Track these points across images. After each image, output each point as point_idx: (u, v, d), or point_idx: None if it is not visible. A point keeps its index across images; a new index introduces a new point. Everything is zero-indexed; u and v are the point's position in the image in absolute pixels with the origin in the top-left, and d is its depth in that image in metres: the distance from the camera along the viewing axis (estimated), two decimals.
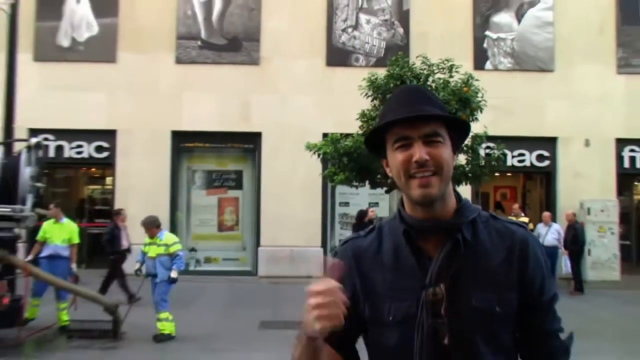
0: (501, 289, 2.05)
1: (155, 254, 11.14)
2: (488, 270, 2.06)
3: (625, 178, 20.51)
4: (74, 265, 12.55)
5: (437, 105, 2.09)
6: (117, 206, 17.50)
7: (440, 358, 1.98)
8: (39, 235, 12.24)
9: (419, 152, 1.98)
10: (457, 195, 2.14)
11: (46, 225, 12.20)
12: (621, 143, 19.62)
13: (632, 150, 19.67)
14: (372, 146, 2.21)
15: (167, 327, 11.02)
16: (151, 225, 11.38)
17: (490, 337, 2.03)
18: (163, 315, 11.00)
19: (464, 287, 2.03)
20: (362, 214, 16.67)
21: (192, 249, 19.19)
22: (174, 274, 11.13)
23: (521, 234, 2.13)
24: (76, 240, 12.44)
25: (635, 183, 22.52)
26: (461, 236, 2.05)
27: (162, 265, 11.13)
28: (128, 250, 15.21)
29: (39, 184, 11.49)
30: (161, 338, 10.89)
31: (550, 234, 16.24)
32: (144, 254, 11.23)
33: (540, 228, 16.41)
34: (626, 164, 19.74)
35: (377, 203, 19.06)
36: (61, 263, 12.06)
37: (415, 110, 2.02)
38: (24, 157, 10.95)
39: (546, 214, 17.39)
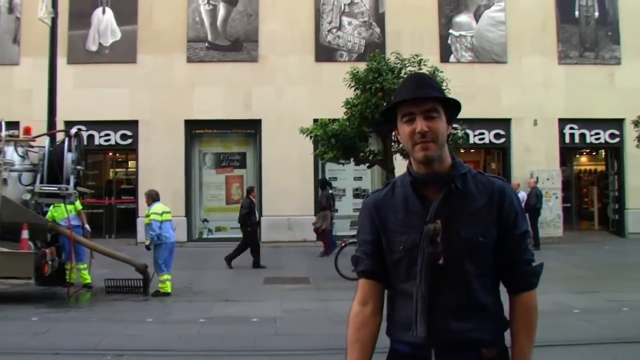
0: (483, 224, 2.54)
1: (145, 223, 12.43)
2: (473, 210, 2.55)
3: (567, 151, 22.30)
4: (87, 225, 13.38)
5: (436, 89, 2.59)
6: (140, 185, 19.51)
7: (436, 274, 2.49)
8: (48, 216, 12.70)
9: (421, 125, 2.50)
10: (453, 156, 2.63)
11: (53, 208, 12.82)
12: (563, 122, 21.49)
13: (571, 128, 21.65)
14: (387, 118, 2.73)
15: (164, 287, 12.05)
16: (147, 198, 12.62)
17: (475, 261, 2.52)
18: (161, 277, 12.09)
19: (455, 222, 2.52)
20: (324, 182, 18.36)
21: (205, 220, 21.02)
22: (146, 242, 12.30)
23: (500, 184, 2.65)
24: (79, 207, 13.21)
25: (578, 156, 24.14)
26: (454, 185, 2.56)
27: (147, 232, 12.24)
28: (259, 222, 16.79)
29: (79, 167, 12.50)
30: (157, 294, 11.99)
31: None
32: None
33: None
34: (567, 140, 21.69)
35: (360, 177, 20.92)
36: (77, 230, 12.73)
37: (417, 93, 2.52)
38: (66, 144, 12.03)
39: (515, 182, 18.95)
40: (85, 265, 12.96)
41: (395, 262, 2.60)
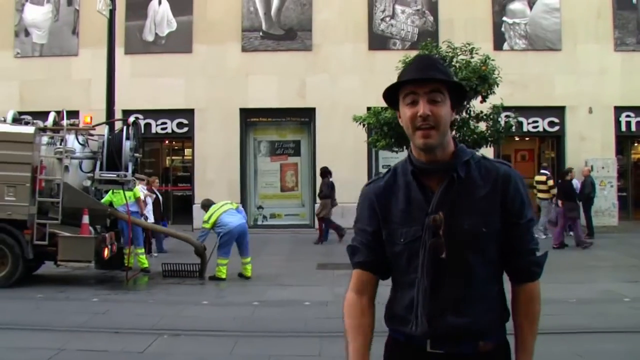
0: (487, 214, 2.46)
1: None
2: (476, 200, 2.47)
3: (623, 140, 22.14)
4: (145, 212, 14.29)
5: (442, 71, 2.48)
6: (197, 173, 20.36)
7: (439, 268, 2.43)
8: (106, 199, 13.31)
9: (423, 108, 2.40)
10: (455, 143, 2.55)
11: (112, 194, 13.39)
12: (618, 110, 21.30)
13: (628, 116, 21.44)
14: (390, 101, 2.60)
15: (218, 272, 12.24)
16: (202, 208, 12.92)
17: (478, 252, 2.46)
18: (219, 260, 12.28)
19: (457, 214, 2.44)
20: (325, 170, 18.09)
21: (260, 207, 21.39)
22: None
23: (504, 170, 2.55)
24: (138, 194, 13.85)
25: (635, 144, 23.86)
26: (456, 174, 2.48)
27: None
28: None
29: (137, 155, 12.74)
30: (213, 278, 12.28)
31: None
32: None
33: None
34: (623, 128, 21.49)
35: None
36: (136, 216, 13.34)
37: (422, 74, 2.44)
38: (124, 132, 12.27)
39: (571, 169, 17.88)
40: (142, 250, 13.53)
41: (396, 254, 2.54)
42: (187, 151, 22.72)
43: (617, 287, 11.23)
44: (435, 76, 2.44)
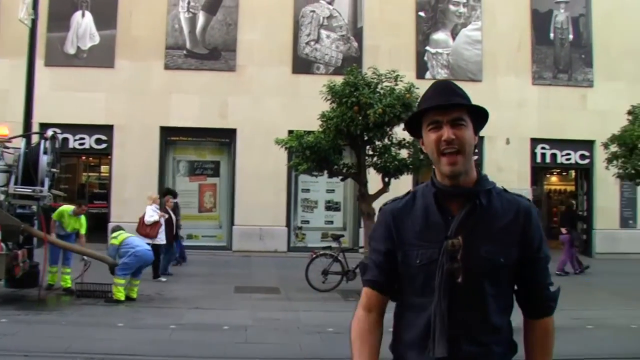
0: (506, 245, 2.48)
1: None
2: (496, 229, 2.48)
3: (538, 170, 22.91)
4: (159, 233, 14.72)
5: (463, 96, 2.54)
6: (114, 190, 20.05)
7: (454, 292, 2.43)
8: (55, 215, 13.24)
9: (447, 132, 2.45)
10: (478, 170, 2.59)
11: (66, 214, 13.21)
12: (535, 142, 21.96)
13: (543, 148, 22.11)
14: (410, 129, 2.68)
15: (117, 293, 12.04)
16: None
17: (494, 281, 2.47)
18: (116, 279, 12.13)
19: (476, 240, 2.45)
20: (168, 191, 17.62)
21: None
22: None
23: (526, 204, 2.59)
24: (83, 231, 13.54)
25: (548, 175, 24.88)
26: (478, 201, 2.50)
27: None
28: None
29: (54, 170, 12.59)
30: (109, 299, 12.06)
31: None
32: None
33: None
34: (538, 159, 22.15)
35: (333, 190, 21.17)
36: (68, 239, 13.34)
37: (445, 100, 2.48)
38: (42, 146, 12.06)
39: None
40: (69, 270, 13.13)
41: (411, 276, 2.54)
42: (105, 168, 22.40)
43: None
44: (457, 101, 2.51)
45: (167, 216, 15.79)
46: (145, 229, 14.83)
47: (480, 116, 2.60)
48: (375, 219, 2.79)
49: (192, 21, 21.34)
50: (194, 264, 17.31)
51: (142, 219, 15.00)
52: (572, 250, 17.79)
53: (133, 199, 19.79)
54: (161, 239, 15.19)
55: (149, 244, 14.16)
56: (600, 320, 11.65)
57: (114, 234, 12.52)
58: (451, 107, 2.49)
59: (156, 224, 14.95)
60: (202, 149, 21.93)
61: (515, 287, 2.62)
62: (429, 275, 2.47)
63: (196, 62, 21.28)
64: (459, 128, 2.48)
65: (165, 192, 17.23)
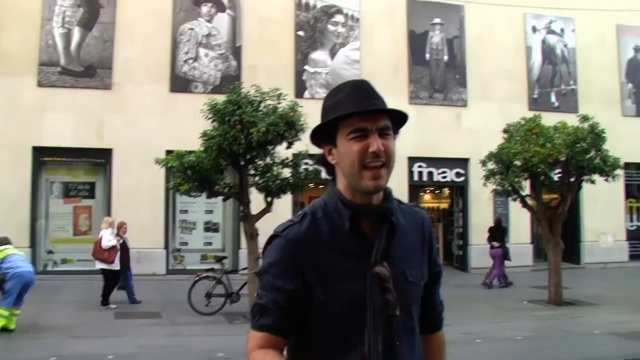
0: (421, 265, 2.34)
1: None
2: (411, 248, 2.30)
3: (414, 189, 23.35)
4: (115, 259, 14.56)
5: (382, 100, 2.23)
6: None
7: (389, 327, 2.17)
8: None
9: (377, 143, 2.14)
10: None
11: None
12: (412, 160, 22.35)
13: (420, 166, 22.67)
14: (318, 135, 2.31)
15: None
16: None
17: (417, 306, 2.33)
18: (2, 311, 11.64)
19: (399, 264, 2.22)
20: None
21: (50, 252, 20.37)
22: None
23: (425, 215, 2.45)
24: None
25: (421, 193, 25.80)
26: (395, 220, 2.24)
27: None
28: None
29: None
30: None
31: None
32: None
33: None
34: (415, 178, 22.71)
35: (212, 210, 21.10)
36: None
37: (373, 104, 2.17)
38: None
39: None
40: None
41: (333, 315, 2.19)
42: None
43: None
44: (384, 107, 2.23)
45: (121, 241, 15.61)
46: (103, 254, 14.87)
47: (398, 124, 2.34)
48: (267, 245, 2.32)
49: (67, 37, 20.74)
50: (69, 290, 16.77)
51: (98, 243, 15.02)
52: (504, 263, 18.66)
53: (3, 222, 18.87)
54: (117, 264, 15.06)
55: (104, 269, 14.76)
56: (488, 333, 12.27)
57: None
58: (378, 114, 2.21)
59: (114, 248, 14.96)
60: (76, 170, 21.32)
61: None
62: (355, 312, 2.16)
63: (71, 79, 20.64)
64: (387, 138, 2.21)
65: None
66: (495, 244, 18.97)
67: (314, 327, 2.22)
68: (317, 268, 2.18)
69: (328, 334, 2.20)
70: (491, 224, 20.09)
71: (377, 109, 2.21)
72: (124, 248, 15.78)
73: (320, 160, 2.38)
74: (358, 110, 2.16)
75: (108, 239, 15.05)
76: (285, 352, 2.31)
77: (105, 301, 14.91)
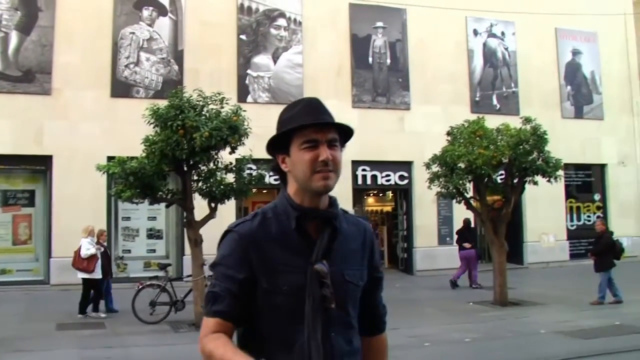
0: (360, 267, 2.56)
1: None
2: (352, 252, 2.54)
3: (358, 192, 23.40)
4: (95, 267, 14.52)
5: (332, 116, 2.50)
6: None
7: (325, 320, 2.40)
8: None
9: (326, 153, 2.42)
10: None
11: None
12: (355, 164, 22.27)
13: (363, 170, 22.74)
14: (271, 146, 2.58)
15: None
16: None
17: (354, 304, 2.56)
18: None
19: (338, 264, 2.46)
20: None
21: None
22: None
23: (368, 225, 2.69)
24: None
25: (364, 197, 25.66)
26: (338, 224, 2.50)
27: None
28: None
29: None
30: None
31: None
32: None
33: None
34: (359, 181, 22.75)
35: (155, 217, 20.88)
36: None
37: (324, 119, 2.45)
38: None
39: None
40: None
41: (275, 305, 2.42)
42: None
43: None
44: (331, 121, 2.47)
45: (102, 249, 15.47)
46: (82, 263, 14.79)
47: (346, 136, 2.58)
48: (221, 239, 2.56)
49: (4, 41, 20.29)
50: (8, 302, 16.41)
51: (77, 252, 14.88)
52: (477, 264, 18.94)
53: None
54: (98, 273, 14.97)
55: (85, 278, 14.67)
56: (436, 336, 12.32)
57: None
58: (327, 127, 2.46)
59: (93, 257, 14.85)
60: (15, 178, 20.84)
61: None
62: (297, 301, 2.40)
63: (9, 84, 20.17)
64: (334, 149, 2.47)
65: None
66: (467, 245, 19.22)
67: (260, 316, 2.44)
68: (264, 260, 2.42)
69: (272, 322, 2.43)
70: (435, 225, 20.24)
71: (330, 122, 2.46)
72: (106, 255, 15.72)
73: (275, 168, 2.63)
74: (314, 122, 2.43)
75: (87, 247, 14.89)
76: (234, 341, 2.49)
77: (82, 310, 14.80)
